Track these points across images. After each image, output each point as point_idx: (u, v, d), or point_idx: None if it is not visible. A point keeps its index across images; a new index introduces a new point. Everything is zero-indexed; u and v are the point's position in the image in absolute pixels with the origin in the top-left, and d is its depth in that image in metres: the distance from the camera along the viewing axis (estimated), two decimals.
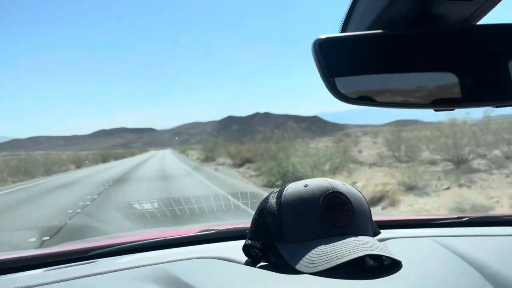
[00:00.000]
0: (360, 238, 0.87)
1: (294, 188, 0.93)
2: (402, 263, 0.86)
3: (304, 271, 0.81)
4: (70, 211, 8.26)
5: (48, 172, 25.03)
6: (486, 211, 6.57)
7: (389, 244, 1.08)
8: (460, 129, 13.32)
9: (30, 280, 1.00)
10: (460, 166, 12.71)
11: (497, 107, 0.72)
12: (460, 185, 9.61)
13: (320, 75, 0.69)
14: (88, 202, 9.43)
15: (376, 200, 8.13)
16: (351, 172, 13.39)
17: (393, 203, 7.96)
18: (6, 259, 1.20)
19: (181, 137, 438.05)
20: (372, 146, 26.08)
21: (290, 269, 0.84)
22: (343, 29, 0.77)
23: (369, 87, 0.74)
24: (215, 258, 1.09)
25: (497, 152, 14.86)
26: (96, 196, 10.42)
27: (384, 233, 1.15)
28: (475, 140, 13.80)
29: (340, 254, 0.81)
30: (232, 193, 7.87)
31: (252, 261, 1.01)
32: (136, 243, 1.34)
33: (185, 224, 3.87)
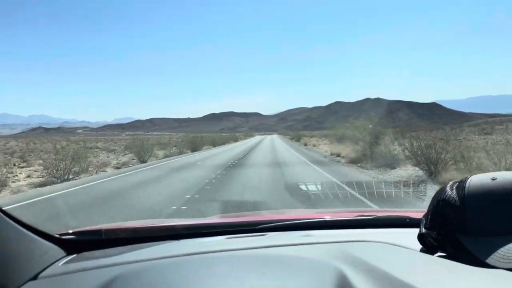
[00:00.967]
0: None
1: (479, 180, 0.91)
2: None
3: (499, 266, 0.78)
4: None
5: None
6: None
7: None
8: None
9: (215, 245, 1.19)
10: None
11: None
12: None
13: None
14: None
15: None
16: None
17: None
18: (192, 224, 1.42)
19: (286, 123, 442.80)
20: None
21: (474, 261, 0.82)
22: None
23: None
24: (388, 243, 1.12)
25: None
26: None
27: None
28: None
29: None
30: None
31: (427, 250, 1.01)
32: (300, 221, 1.45)
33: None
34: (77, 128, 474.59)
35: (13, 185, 12.11)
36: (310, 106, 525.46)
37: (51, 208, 7.63)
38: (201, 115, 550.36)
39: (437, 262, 0.93)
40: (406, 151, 13.75)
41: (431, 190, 8.41)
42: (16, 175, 15.08)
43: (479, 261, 0.81)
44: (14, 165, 19.05)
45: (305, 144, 41.26)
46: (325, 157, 21.21)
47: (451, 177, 8.90)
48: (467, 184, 0.91)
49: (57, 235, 1.16)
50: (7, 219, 0.92)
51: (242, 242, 1.25)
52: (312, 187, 8.81)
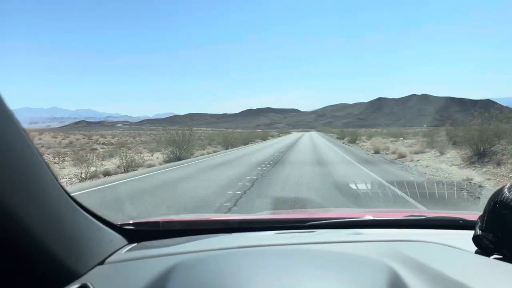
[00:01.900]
0: None
1: None
2: None
3: None
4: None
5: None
6: None
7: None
8: None
9: (266, 239, 1.26)
10: None
11: None
12: None
13: None
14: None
15: None
16: None
17: None
18: (244, 219, 1.51)
19: (325, 119, 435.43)
20: None
21: None
22: None
23: None
24: (440, 244, 1.13)
25: None
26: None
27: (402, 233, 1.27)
28: None
29: None
30: None
31: (482, 252, 1.00)
32: (349, 219, 1.46)
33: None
34: (117, 122, 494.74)
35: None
36: (351, 102, 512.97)
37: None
38: (238, 111, 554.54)
39: (494, 265, 0.91)
40: None
41: None
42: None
43: None
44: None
45: (376, 152, 21.22)
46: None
47: None
48: None
49: (120, 224, 1.26)
50: (79, 208, 0.98)
51: (291, 237, 1.31)
52: None
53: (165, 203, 7.24)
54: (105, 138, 48.89)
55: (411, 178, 10.46)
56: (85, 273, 0.93)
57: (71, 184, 11.40)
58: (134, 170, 14.04)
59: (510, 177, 10.07)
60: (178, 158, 18.63)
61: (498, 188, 1.02)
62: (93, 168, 13.39)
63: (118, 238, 1.19)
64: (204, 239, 1.27)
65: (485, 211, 1.00)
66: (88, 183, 11.10)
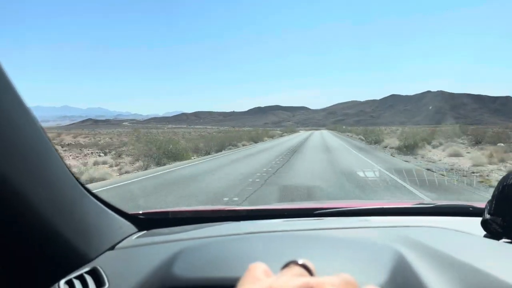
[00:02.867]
0: None
1: None
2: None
3: None
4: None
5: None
6: None
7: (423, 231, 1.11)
8: None
9: (274, 226, 1.30)
10: None
11: None
12: None
13: None
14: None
15: None
16: None
17: None
18: (252, 208, 1.55)
19: (335, 117, 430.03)
20: None
21: None
22: None
23: None
24: (449, 229, 1.15)
25: None
26: None
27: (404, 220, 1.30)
28: None
29: None
30: None
31: (491, 236, 1.02)
32: (358, 207, 1.50)
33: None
34: (125, 121, 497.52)
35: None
36: (362, 99, 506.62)
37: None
38: (246, 109, 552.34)
39: (504, 248, 0.92)
40: None
41: None
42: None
43: None
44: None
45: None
46: None
47: None
48: None
49: (131, 214, 1.31)
50: (91, 196, 1.04)
51: (299, 224, 1.33)
52: None
53: None
54: (85, 137, 46.20)
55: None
56: (96, 257, 0.99)
57: None
58: None
59: None
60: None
61: None
62: None
63: (129, 226, 1.25)
64: (212, 226, 1.31)
65: (493, 196, 1.00)
66: None
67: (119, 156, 19.43)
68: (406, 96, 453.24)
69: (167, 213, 1.45)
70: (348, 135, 53.27)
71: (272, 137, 51.46)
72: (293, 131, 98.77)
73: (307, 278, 0.38)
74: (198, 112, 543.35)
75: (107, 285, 0.91)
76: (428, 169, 11.44)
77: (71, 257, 0.92)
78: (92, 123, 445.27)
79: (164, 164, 14.71)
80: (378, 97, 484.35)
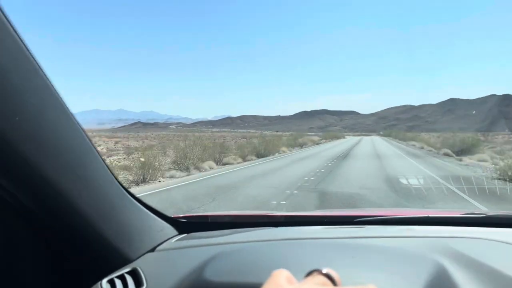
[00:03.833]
0: None
1: None
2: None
3: None
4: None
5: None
6: None
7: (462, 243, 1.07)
8: None
9: (312, 233, 1.29)
10: None
11: None
12: None
13: None
14: None
15: None
16: None
17: None
18: (290, 215, 1.53)
19: (386, 122, 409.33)
20: None
21: None
22: None
23: None
24: (503, 242, 1.09)
25: None
26: None
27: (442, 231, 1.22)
28: None
29: None
30: None
31: None
32: (401, 216, 1.44)
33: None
34: (172, 124, 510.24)
35: None
36: (416, 103, 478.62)
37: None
38: (292, 113, 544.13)
39: None
40: None
41: None
42: None
43: None
44: None
45: None
46: None
47: None
48: None
49: (172, 217, 1.34)
50: (133, 199, 1.08)
51: (339, 232, 1.31)
52: None
53: None
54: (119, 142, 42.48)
55: None
56: (136, 258, 1.03)
57: None
58: None
59: None
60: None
61: None
62: None
63: (169, 228, 1.28)
64: (249, 231, 1.32)
65: None
66: None
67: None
68: (467, 100, 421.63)
69: (206, 217, 1.47)
70: (416, 146, 33.18)
71: (301, 146, 34.83)
72: (335, 136, 78.89)
73: None
74: (243, 116, 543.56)
75: (145, 285, 0.94)
76: None
77: (113, 257, 0.96)
78: (140, 126, 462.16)
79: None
80: (434, 101, 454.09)
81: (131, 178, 11.64)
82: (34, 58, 0.69)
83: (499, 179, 11.18)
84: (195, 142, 16.48)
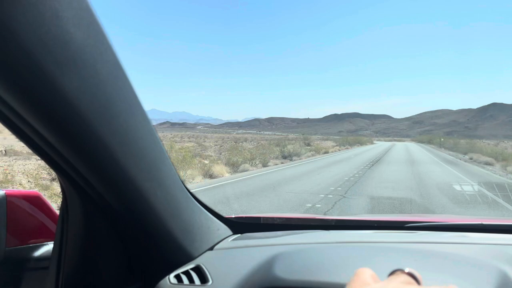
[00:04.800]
0: None
1: None
2: None
3: None
4: None
5: None
6: None
7: None
8: None
9: (364, 237, 1.29)
10: None
11: None
12: None
13: None
14: None
15: None
16: None
17: None
18: (341, 218, 1.52)
19: (422, 127, 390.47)
20: None
21: None
22: None
23: None
24: None
25: None
26: None
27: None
28: None
29: None
30: None
31: None
32: (451, 223, 1.41)
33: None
34: (200, 125, 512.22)
35: None
36: (454, 108, 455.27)
37: None
38: (321, 116, 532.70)
39: None
40: None
41: None
42: None
43: None
44: None
45: None
46: None
47: None
48: None
49: (226, 217, 1.38)
50: (193, 198, 1.13)
51: (392, 236, 1.30)
52: None
53: None
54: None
55: None
56: (197, 256, 1.09)
57: None
58: None
59: None
60: None
61: None
62: None
63: (225, 228, 1.32)
64: (302, 233, 1.35)
65: None
66: None
67: None
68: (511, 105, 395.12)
69: (259, 218, 1.50)
70: (473, 161, 22.10)
71: (299, 155, 24.29)
72: (359, 142, 64.16)
73: (416, 287, 0.38)
74: (271, 118, 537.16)
75: (210, 282, 0.99)
76: None
77: (178, 254, 1.03)
78: (168, 126, 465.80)
79: None
80: (475, 106, 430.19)
81: None
82: (124, 72, 0.74)
83: None
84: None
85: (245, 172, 15.36)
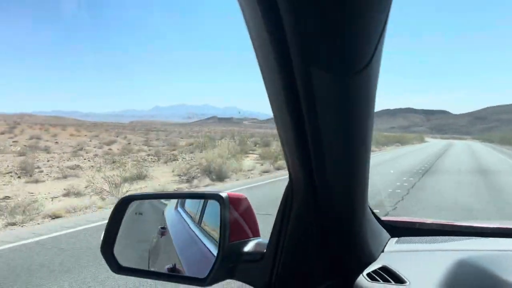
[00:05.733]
0: None
1: None
2: None
3: None
4: None
5: None
6: None
7: None
8: None
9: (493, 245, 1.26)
10: None
11: None
12: None
13: None
14: None
15: None
16: None
17: None
18: (498, 227, 1.47)
19: (484, 123, 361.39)
20: None
21: None
22: None
23: None
24: None
25: None
26: None
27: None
28: None
29: None
30: None
31: None
32: None
33: None
34: (246, 119, 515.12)
35: None
36: None
37: None
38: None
39: None
40: None
41: None
42: None
43: None
44: None
45: None
46: None
47: None
48: None
49: (383, 220, 1.38)
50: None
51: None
52: None
53: None
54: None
55: None
56: (377, 257, 1.09)
57: None
58: None
59: None
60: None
61: None
62: None
63: (384, 232, 1.32)
64: (460, 240, 1.30)
65: None
66: None
67: None
68: None
69: (414, 223, 1.48)
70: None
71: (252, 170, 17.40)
72: (398, 141, 54.03)
73: None
74: None
75: (408, 282, 0.97)
76: None
77: (367, 253, 1.06)
78: (216, 121, 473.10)
79: None
80: None
81: None
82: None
83: None
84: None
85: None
